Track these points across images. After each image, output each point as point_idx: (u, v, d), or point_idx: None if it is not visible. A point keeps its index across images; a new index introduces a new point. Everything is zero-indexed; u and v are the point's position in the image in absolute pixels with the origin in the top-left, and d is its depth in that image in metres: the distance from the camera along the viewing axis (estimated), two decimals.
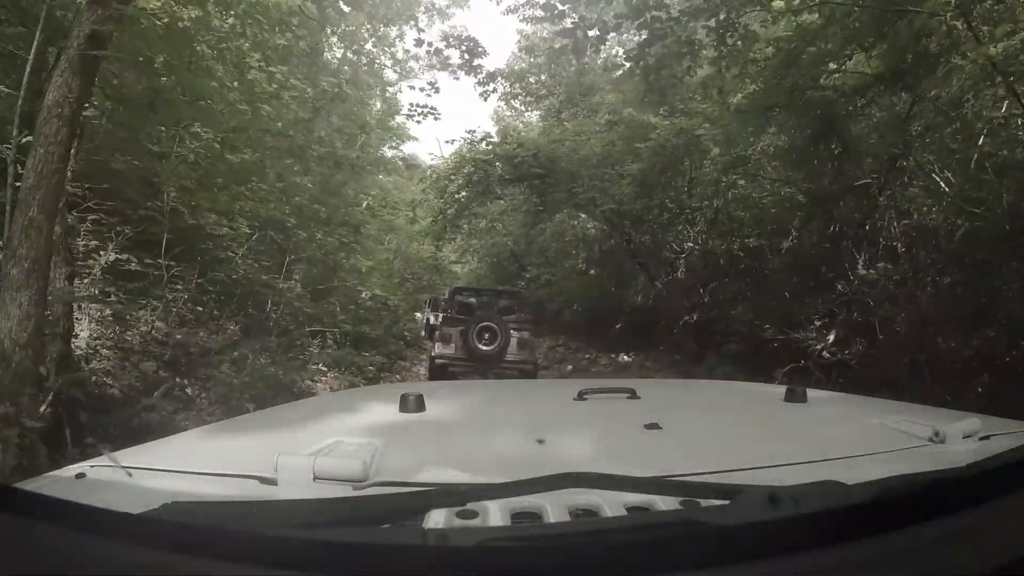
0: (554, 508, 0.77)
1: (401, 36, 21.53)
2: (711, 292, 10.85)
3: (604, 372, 11.67)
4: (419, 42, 10.28)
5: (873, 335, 7.19)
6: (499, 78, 21.94)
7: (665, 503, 0.78)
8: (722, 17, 5.47)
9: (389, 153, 20.06)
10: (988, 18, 5.87)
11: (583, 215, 14.48)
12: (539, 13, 20.43)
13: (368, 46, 20.18)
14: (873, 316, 7.13)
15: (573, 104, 17.88)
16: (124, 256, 6.09)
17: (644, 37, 5.41)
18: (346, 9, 13.08)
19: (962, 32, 5.44)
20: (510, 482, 0.75)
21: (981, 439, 1.10)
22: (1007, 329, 5.85)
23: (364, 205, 9.77)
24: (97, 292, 6.07)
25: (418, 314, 16.04)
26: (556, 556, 0.58)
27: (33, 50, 4.34)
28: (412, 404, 1.37)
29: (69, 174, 4.27)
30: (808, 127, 7.98)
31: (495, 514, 0.76)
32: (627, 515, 0.76)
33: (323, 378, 8.20)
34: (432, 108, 11.76)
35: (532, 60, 21.77)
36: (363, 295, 10.89)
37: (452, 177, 11.94)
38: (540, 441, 1.15)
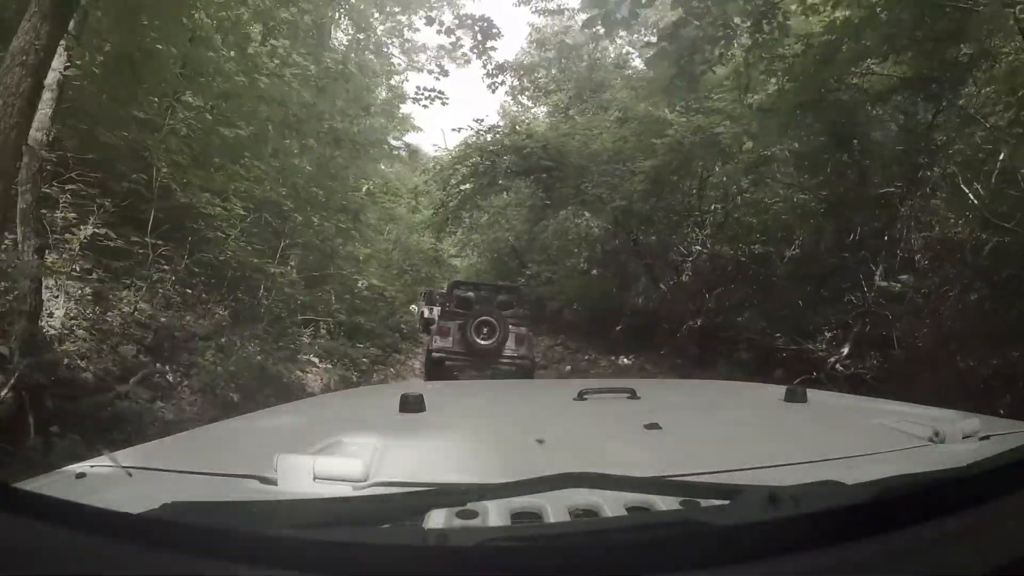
0: (554, 508, 0.77)
1: (411, 25, 21.23)
2: (717, 297, 10.57)
3: (603, 374, 11.36)
4: (430, 20, 9.85)
5: (890, 349, 6.89)
6: (508, 70, 21.68)
7: (665, 503, 0.78)
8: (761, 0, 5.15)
9: (394, 143, 19.75)
10: None
11: (587, 214, 14.31)
12: (552, 6, 20.23)
13: (378, 29, 19.83)
14: (891, 329, 6.83)
15: (582, 100, 17.57)
16: (104, 232, 5.72)
17: (677, 17, 5.09)
18: None
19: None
20: (510, 482, 0.75)
21: (981, 439, 1.10)
22: None
23: (364, 190, 9.34)
24: (78, 269, 5.74)
25: (413, 306, 15.75)
26: (556, 556, 0.58)
27: None
28: (412, 404, 1.37)
29: (42, 136, 3.91)
30: (829, 131, 7.66)
31: (495, 514, 0.76)
32: (627, 515, 0.76)
33: (314, 369, 7.86)
34: (440, 92, 11.39)
35: (542, 54, 21.47)
36: (359, 284, 10.51)
37: (457, 167, 11.56)
38: (540, 441, 1.14)
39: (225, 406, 5.93)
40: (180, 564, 0.56)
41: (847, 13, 6.15)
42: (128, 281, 6.44)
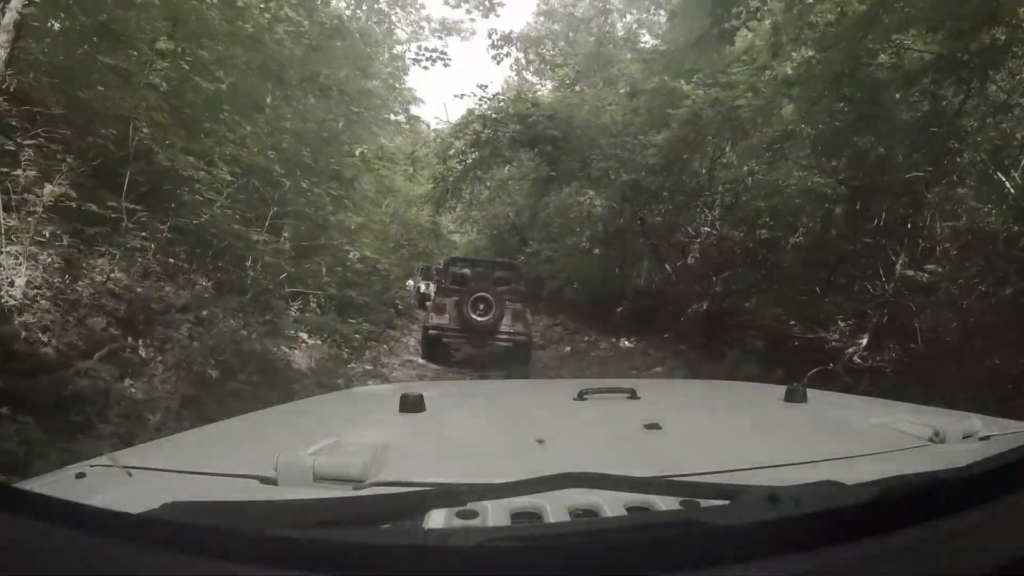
0: (554, 508, 0.77)
1: None
2: (724, 281, 10.17)
3: (604, 357, 11.06)
4: None
5: (911, 342, 6.52)
6: (514, 42, 21.04)
7: (665, 503, 0.78)
8: None
9: (395, 118, 19.21)
10: None
11: (591, 192, 13.94)
12: None
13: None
14: (914, 321, 6.44)
15: (590, 75, 16.97)
16: (74, 194, 5.26)
17: None
18: None
19: None
20: (510, 482, 0.74)
21: (981, 439, 1.10)
22: None
23: (358, 153, 8.79)
24: (47, 235, 5.29)
25: (410, 281, 15.43)
26: (556, 556, 0.58)
27: None
28: (412, 404, 1.36)
29: None
30: (856, 111, 7.18)
31: (495, 514, 0.76)
32: (627, 515, 0.76)
33: (303, 345, 7.46)
34: (442, 53, 10.86)
35: (550, 26, 20.83)
36: (351, 256, 10.04)
37: (459, 135, 11.01)
38: (540, 441, 1.14)
39: (203, 383, 5.55)
40: (180, 564, 0.55)
41: None
42: (103, 248, 6.04)
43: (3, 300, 4.47)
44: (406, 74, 21.90)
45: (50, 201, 4.98)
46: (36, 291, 4.97)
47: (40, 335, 4.67)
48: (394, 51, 21.09)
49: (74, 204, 5.08)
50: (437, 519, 0.74)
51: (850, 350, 6.84)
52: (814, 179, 8.71)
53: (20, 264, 4.92)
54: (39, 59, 5.19)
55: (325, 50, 8.18)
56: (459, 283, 9.24)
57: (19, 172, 4.85)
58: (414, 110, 21.20)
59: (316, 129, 8.05)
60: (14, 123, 5.17)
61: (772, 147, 7.89)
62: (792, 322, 7.51)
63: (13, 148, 4.83)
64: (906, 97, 7.29)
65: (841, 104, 7.21)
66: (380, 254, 12.59)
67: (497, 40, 21.03)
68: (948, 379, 5.87)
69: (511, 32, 21.21)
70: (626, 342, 11.79)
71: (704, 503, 0.72)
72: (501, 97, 10.48)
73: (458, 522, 0.74)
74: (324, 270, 8.81)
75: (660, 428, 1.21)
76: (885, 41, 6.39)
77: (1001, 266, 5.92)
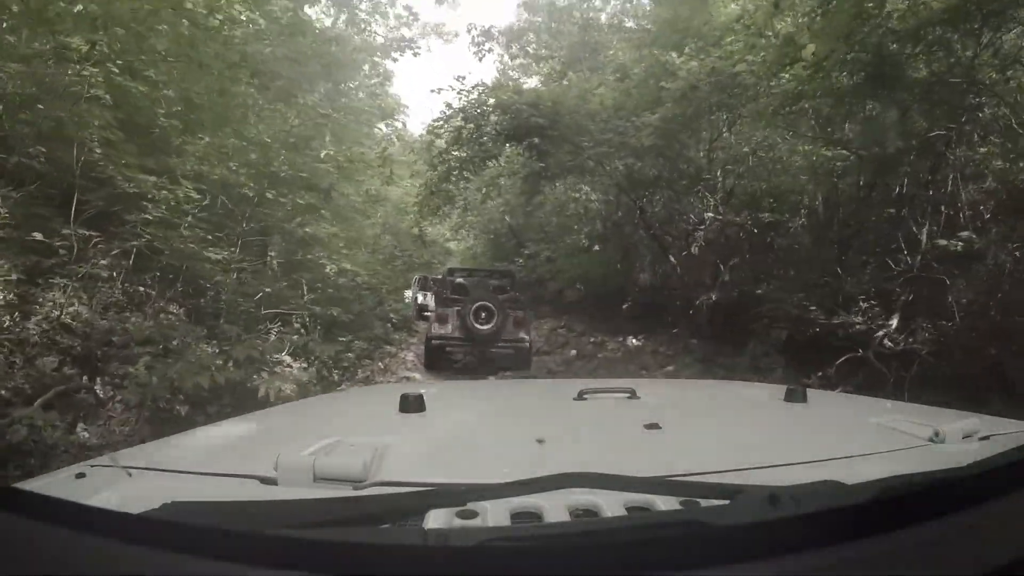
0: (554, 508, 0.77)
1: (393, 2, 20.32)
2: (732, 269, 9.60)
3: (612, 358, 10.49)
4: None
5: (946, 318, 5.94)
6: (496, 36, 20.59)
7: (665, 503, 0.77)
8: None
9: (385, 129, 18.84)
10: None
11: (586, 187, 13.41)
12: None
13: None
14: (948, 295, 5.86)
15: (577, 64, 16.44)
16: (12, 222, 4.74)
17: None
18: None
19: None
20: (510, 482, 0.74)
21: (981, 439, 1.09)
22: None
23: (323, 155, 8.22)
24: None
25: (407, 292, 14.98)
26: (556, 556, 0.58)
27: None
28: (412, 404, 1.35)
29: None
30: (863, 68, 6.61)
31: (495, 514, 0.75)
32: (627, 515, 0.75)
33: (285, 370, 6.91)
34: (411, 41, 10.29)
35: (532, 19, 20.38)
36: (328, 270, 9.46)
37: (438, 133, 10.44)
38: (540, 441, 1.13)
39: (170, 421, 5.01)
40: (180, 564, 0.55)
41: None
42: (55, 280, 5.54)
43: None
44: (389, 81, 21.54)
45: None
46: None
47: None
48: (375, 57, 20.67)
49: (15, 235, 4.53)
50: (437, 519, 0.72)
51: (879, 333, 6.24)
52: (820, 151, 8.14)
53: None
54: None
55: (289, 47, 7.62)
56: (460, 293, 9.44)
57: None
58: (400, 118, 20.84)
59: (283, 137, 7.48)
60: None
61: (779, 111, 7.29)
62: (812, 307, 6.92)
63: None
64: (916, 54, 6.74)
65: (850, 58, 6.65)
66: (371, 267, 12.05)
67: (477, 36, 20.61)
68: (989, 360, 5.30)
69: (491, 27, 20.78)
70: (634, 340, 11.26)
71: (704, 503, 0.72)
72: (480, 87, 9.87)
73: (458, 522, 0.73)
74: (305, 288, 8.26)
75: (660, 428, 1.20)
76: None
77: None
